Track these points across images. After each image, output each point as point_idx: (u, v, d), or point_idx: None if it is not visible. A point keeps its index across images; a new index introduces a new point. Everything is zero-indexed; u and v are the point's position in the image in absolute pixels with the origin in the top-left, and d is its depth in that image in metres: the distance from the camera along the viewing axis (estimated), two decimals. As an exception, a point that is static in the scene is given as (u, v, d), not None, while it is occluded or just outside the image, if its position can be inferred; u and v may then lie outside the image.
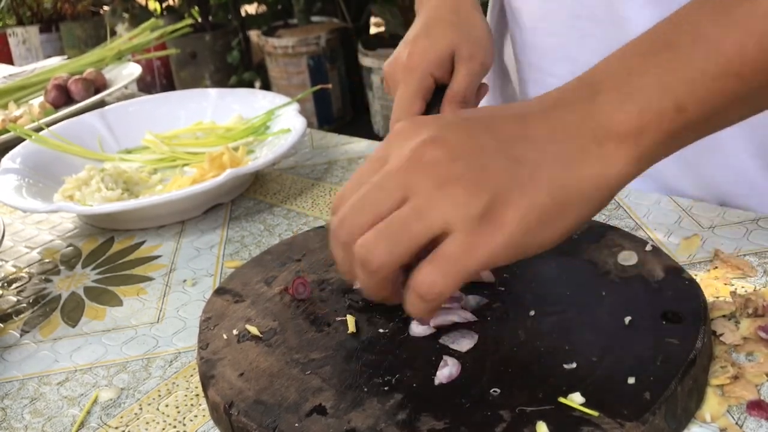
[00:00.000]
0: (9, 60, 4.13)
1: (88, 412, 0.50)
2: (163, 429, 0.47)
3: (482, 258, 0.37)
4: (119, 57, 1.32)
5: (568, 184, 0.38)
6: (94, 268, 0.69)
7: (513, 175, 0.37)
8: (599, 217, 0.63)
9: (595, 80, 0.40)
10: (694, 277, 0.50)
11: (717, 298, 0.50)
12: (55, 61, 1.45)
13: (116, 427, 0.48)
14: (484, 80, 0.68)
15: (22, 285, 0.68)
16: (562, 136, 0.38)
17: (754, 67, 0.37)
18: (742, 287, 0.51)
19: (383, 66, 0.67)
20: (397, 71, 0.65)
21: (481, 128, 0.39)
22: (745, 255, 0.55)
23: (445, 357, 0.45)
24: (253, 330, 0.51)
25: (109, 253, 0.71)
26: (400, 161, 0.38)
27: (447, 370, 0.44)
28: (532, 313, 0.48)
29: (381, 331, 0.49)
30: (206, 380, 0.47)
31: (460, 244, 0.37)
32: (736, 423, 0.41)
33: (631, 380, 0.41)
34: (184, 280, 0.64)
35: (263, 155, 0.78)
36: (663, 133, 0.38)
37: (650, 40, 0.40)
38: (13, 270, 0.71)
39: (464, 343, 0.46)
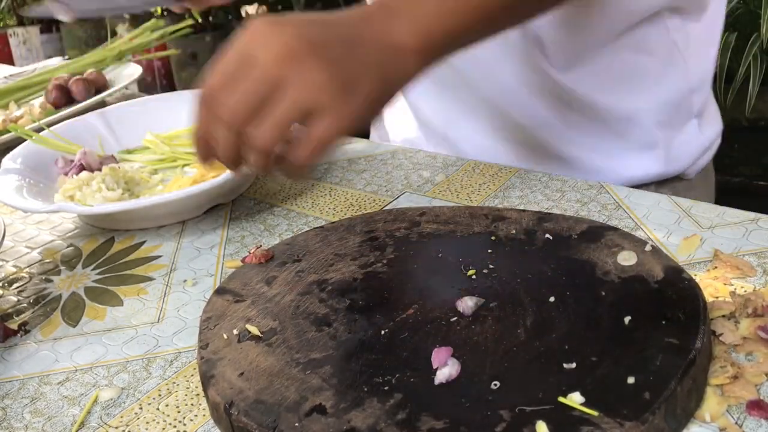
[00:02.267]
0: (10, 60, 4.13)
1: (89, 412, 0.50)
2: (164, 429, 0.47)
3: (341, 125, 0.50)
4: (120, 57, 1.32)
5: (389, 75, 0.52)
6: (94, 268, 0.69)
7: (356, 63, 0.51)
8: (599, 218, 0.63)
9: (393, 6, 0.53)
10: (694, 277, 0.50)
11: (716, 298, 0.50)
12: (56, 61, 1.45)
13: (116, 427, 0.48)
14: None
15: (22, 285, 0.68)
16: (378, 45, 0.52)
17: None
18: (742, 287, 0.51)
19: None
20: None
21: (325, 29, 0.52)
22: (744, 255, 0.55)
23: (445, 357, 0.45)
24: (253, 330, 0.51)
25: (110, 253, 0.71)
26: (273, 59, 0.49)
27: (447, 370, 0.44)
28: (531, 313, 0.48)
29: (381, 331, 0.49)
30: (206, 380, 0.47)
31: (326, 123, 0.49)
32: (736, 423, 0.41)
33: (631, 380, 0.41)
34: (185, 280, 0.64)
35: (263, 155, 0.78)
36: (438, 49, 0.55)
37: None
38: (14, 270, 0.71)
39: (469, 306, 0.49)
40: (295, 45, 0.49)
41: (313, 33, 0.50)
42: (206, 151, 0.53)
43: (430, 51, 0.54)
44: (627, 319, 0.46)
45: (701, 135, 0.84)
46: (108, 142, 0.93)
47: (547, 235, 0.57)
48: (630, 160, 0.81)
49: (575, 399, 0.40)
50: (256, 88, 0.49)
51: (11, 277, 0.70)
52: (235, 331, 0.51)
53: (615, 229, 0.56)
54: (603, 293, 0.49)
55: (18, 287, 0.68)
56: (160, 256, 0.69)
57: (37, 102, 1.18)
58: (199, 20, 3.78)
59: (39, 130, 0.92)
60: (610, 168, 0.81)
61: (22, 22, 4.26)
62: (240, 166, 0.53)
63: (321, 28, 0.51)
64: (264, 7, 3.73)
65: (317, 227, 0.64)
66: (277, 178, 0.81)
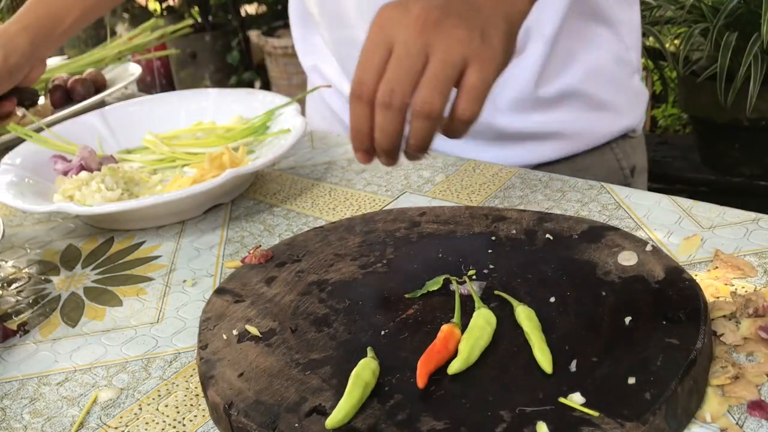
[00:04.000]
0: (9, 60, 4.12)
1: (88, 413, 0.50)
2: (163, 429, 0.47)
3: (495, 73, 0.53)
4: (119, 57, 1.32)
5: (510, 17, 0.56)
6: (93, 269, 0.69)
7: (482, 15, 0.54)
8: (600, 218, 0.63)
9: None
10: (695, 277, 0.50)
11: (717, 298, 0.50)
12: (56, 61, 1.45)
13: (116, 427, 0.48)
14: None
15: (21, 285, 0.68)
16: None
17: None
18: (743, 287, 0.51)
19: None
20: None
21: None
22: (745, 255, 0.55)
23: None
24: (253, 330, 0.51)
25: (109, 254, 0.71)
26: (411, 31, 0.52)
27: None
28: (532, 313, 0.48)
29: (381, 331, 0.49)
30: (206, 380, 0.47)
31: (478, 70, 0.52)
32: (737, 423, 0.41)
33: (631, 380, 0.41)
34: (184, 281, 0.64)
35: (263, 155, 0.78)
36: None
37: None
38: (13, 270, 0.71)
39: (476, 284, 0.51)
40: (428, 14, 0.53)
41: (435, 1, 0.54)
42: (366, 145, 0.54)
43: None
44: (627, 320, 0.46)
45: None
46: (107, 142, 0.93)
47: (548, 236, 0.57)
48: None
49: (576, 399, 0.40)
50: (407, 63, 0.52)
51: (10, 277, 0.70)
52: (234, 332, 0.51)
53: (615, 229, 0.56)
54: (603, 293, 0.49)
55: (17, 287, 0.68)
56: (159, 257, 0.69)
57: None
58: (199, 20, 3.78)
59: (38, 130, 0.92)
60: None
61: (21, 22, 4.25)
62: (398, 154, 0.55)
63: None
64: (264, 7, 3.73)
65: (317, 227, 0.64)
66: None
